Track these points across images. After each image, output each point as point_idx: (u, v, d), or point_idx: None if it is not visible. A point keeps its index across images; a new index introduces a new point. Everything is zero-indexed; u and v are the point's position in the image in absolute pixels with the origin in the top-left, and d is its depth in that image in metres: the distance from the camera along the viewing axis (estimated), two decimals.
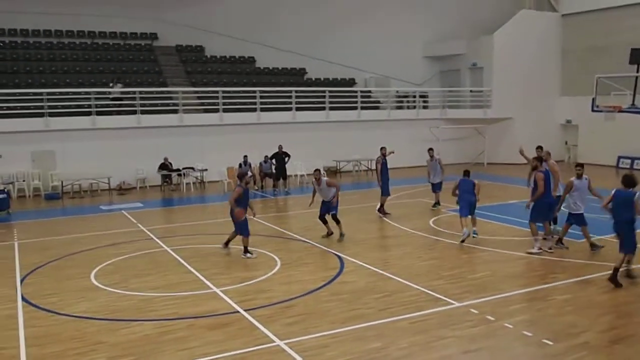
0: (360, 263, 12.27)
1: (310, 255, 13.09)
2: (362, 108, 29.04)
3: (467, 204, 14.02)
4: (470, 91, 32.08)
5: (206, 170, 24.57)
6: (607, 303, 9.74)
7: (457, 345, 8.09)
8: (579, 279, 10.99)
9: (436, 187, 18.50)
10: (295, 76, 30.60)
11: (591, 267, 11.64)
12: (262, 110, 26.50)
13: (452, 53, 33.00)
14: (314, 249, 13.68)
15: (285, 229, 15.98)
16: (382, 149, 17.79)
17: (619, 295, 10.11)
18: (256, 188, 23.22)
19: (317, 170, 14.76)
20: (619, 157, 29.47)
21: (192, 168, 24.45)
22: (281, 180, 23.11)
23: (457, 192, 14.24)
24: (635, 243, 10.58)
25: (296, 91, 27.29)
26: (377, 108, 30.37)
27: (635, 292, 10.32)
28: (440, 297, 10.05)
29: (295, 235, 15.07)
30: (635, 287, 10.59)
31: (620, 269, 10.51)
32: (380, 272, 11.61)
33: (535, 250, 12.80)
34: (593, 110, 22.67)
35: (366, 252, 13.17)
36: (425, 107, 31.40)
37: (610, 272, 10.42)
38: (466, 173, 14.51)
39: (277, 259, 12.70)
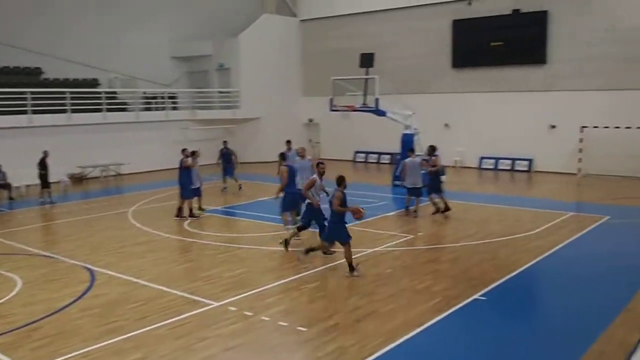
0: (113, 273, 11.67)
1: (56, 271, 12.06)
2: (108, 110, 27.62)
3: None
4: (219, 92, 32.49)
5: None
6: (351, 285, 10.63)
7: (218, 345, 8.16)
8: (327, 266, 11.84)
9: (196, 192, 17.27)
10: (30, 76, 27.90)
11: (336, 255, 12.55)
12: None
13: (199, 54, 32.98)
14: (60, 263, 12.64)
15: (25, 244, 14.44)
16: (183, 150, 17.28)
17: (361, 278, 11.09)
18: None
19: (303, 147, 16.03)
20: (355, 152, 32.46)
21: None
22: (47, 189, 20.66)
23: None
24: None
25: (32, 92, 24.93)
26: (124, 110, 29.15)
27: (374, 272, 11.42)
28: (199, 299, 10.03)
29: (38, 251, 13.78)
30: (374, 268, 11.71)
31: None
32: (135, 280, 11.19)
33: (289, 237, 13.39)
34: (331, 110, 24.53)
35: (119, 262, 12.57)
36: (174, 109, 31.02)
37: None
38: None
39: (17, 278, 11.48)
